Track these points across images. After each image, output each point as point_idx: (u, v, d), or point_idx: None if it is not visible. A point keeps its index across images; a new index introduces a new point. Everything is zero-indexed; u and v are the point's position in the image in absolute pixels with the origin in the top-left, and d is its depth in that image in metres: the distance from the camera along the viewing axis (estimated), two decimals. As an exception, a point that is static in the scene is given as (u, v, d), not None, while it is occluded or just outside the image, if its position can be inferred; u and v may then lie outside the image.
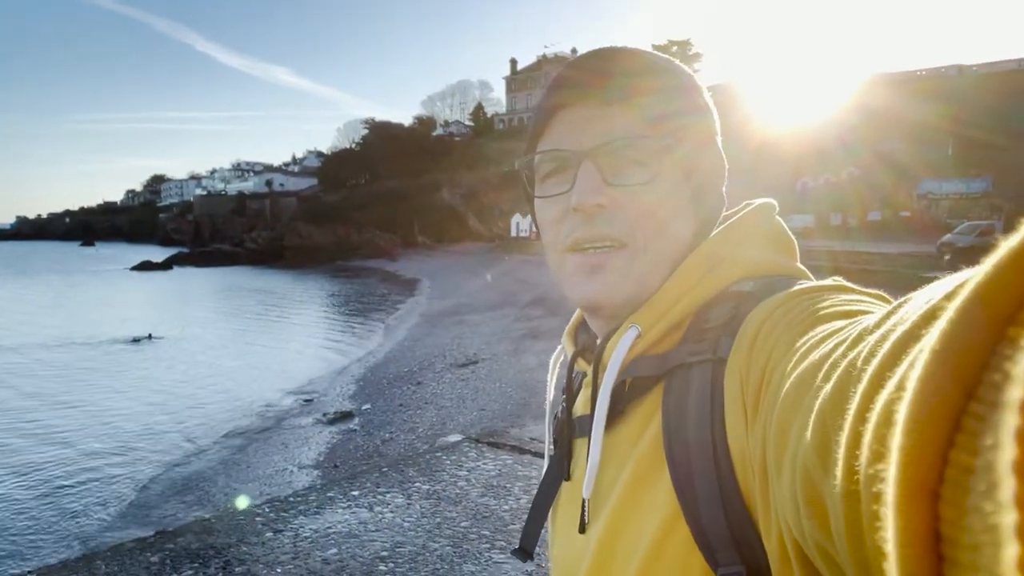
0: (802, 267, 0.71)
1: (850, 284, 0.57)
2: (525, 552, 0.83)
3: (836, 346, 0.41)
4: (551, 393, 0.85)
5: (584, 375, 0.79)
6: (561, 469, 0.79)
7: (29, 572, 3.87)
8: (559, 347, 0.85)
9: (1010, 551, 0.17)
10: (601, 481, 0.69)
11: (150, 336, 21.25)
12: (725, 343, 0.60)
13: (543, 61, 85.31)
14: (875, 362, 0.30)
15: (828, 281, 0.59)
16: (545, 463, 0.84)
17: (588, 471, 0.69)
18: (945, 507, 0.21)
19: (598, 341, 0.73)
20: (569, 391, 0.80)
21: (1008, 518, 0.17)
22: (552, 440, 0.84)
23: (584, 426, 0.71)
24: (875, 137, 42.87)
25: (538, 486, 0.83)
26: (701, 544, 0.57)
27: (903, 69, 53.96)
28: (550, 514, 0.82)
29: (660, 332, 0.68)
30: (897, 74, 52.72)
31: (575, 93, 0.71)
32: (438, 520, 3.54)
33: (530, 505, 0.83)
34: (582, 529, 0.70)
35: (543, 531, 0.83)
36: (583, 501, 0.70)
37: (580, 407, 0.78)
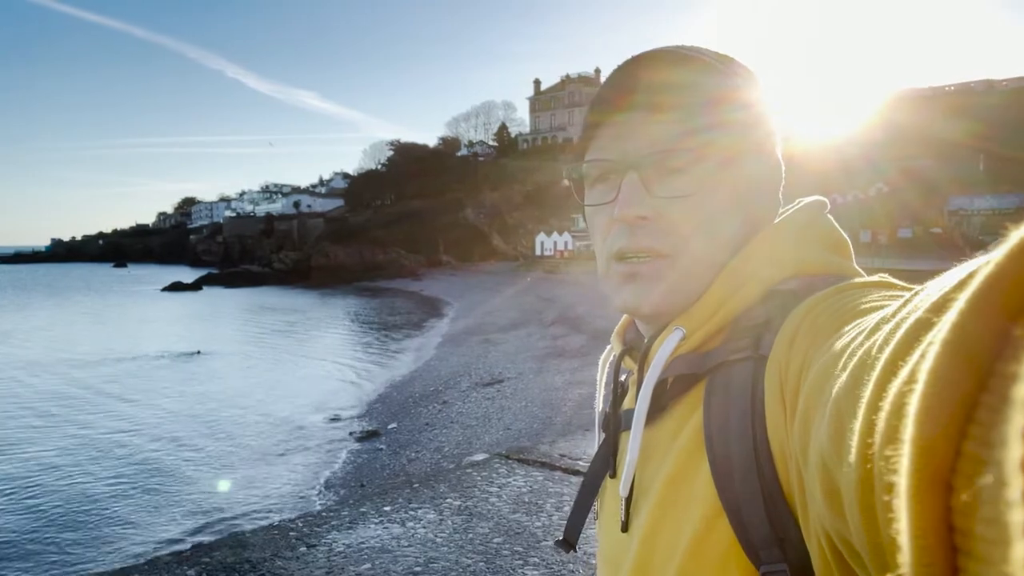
0: (855, 267, 0.70)
1: (896, 281, 0.56)
2: (568, 544, 0.83)
3: (856, 335, 0.41)
4: (600, 390, 0.86)
5: (631, 373, 0.80)
6: (607, 464, 0.79)
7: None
8: (608, 346, 0.86)
9: (1018, 549, 0.17)
10: (642, 476, 0.69)
11: (198, 352, 22.15)
12: (767, 340, 0.60)
13: (566, 81, 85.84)
14: (888, 351, 0.30)
15: (874, 278, 0.59)
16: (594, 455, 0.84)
17: (626, 468, 0.69)
18: (958, 498, 0.21)
19: (645, 341, 0.74)
20: (616, 387, 0.82)
21: (1016, 516, 0.18)
22: (600, 435, 0.84)
23: (629, 420, 0.71)
24: (904, 153, 42.33)
25: (584, 477, 0.83)
26: (743, 541, 0.57)
27: (931, 85, 53.40)
28: (597, 509, 0.83)
29: (705, 334, 0.68)
30: (925, 90, 52.15)
31: (622, 102, 0.71)
32: (470, 536, 3.54)
33: (572, 504, 0.84)
34: (624, 528, 0.70)
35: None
36: (622, 500, 0.70)
37: (627, 404, 0.79)
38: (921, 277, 0.54)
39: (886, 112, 46.36)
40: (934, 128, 41.78)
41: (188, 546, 3.76)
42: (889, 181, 42.21)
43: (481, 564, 3.26)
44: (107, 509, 9.13)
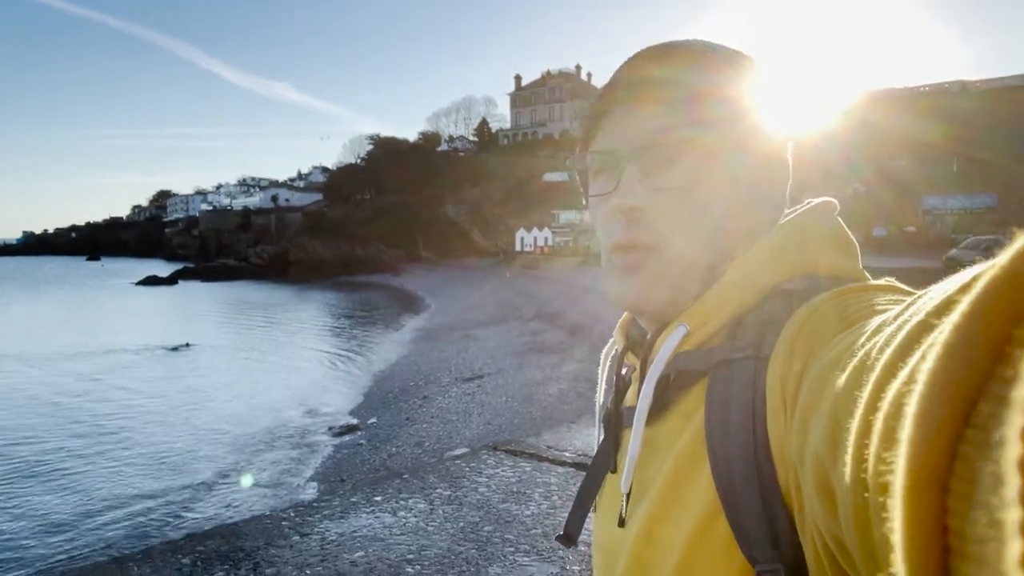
0: (861, 269, 0.70)
1: (901, 285, 0.57)
2: (569, 538, 0.83)
3: (858, 337, 0.41)
4: (602, 385, 0.85)
5: (634, 369, 0.79)
6: (608, 460, 0.79)
7: (63, 574, 3.94)
8: (611, 341, 0.85)
9: (1014, 548, 0.17)
10: (643, 474, 0.69)
11: (187, 344, 22.02)
12: (769, 340, 0.60)
13: (547, 77, 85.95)
14: (888, 353, 0.30)
15: (880, 281, 0.59)
16: (595, 452, 0.85)
17: (627, 465, 0.69)
18: (953, 500, 0.21)
19: (648, 337, 0.74)
20: (618, 383, 0.81)
21: (1012, 515, 0.18)
22: (601, 431, 0.84)
23: (631, 417, 0.71)
24: (879, 153, 43.07)
25: (586, 473, 0.83)
26: (740, 540, 0.57)
27: (906, 85, 54.18)
28: (596, 502, 0.83)
29: (709, 331, 0.67)
30: (900, 90, 52.95)
31: (627, 94, 0.71)
32: (461, 524, 3.60)
33: (564, 502, 0.86)
34: (621, 523, 0.70)
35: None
36: (623, 496, 0.70)
37: (630, 399, 0.78)
38: (896, 275, 0.58)
39: (862, 112, 47.02)
40: (909, 129, 42.52)
41: (180, 536, 3.78)
42: (865, 181, 42.93)
43: (473, 551, 3.33)
44: (92, 497, 9.11)
